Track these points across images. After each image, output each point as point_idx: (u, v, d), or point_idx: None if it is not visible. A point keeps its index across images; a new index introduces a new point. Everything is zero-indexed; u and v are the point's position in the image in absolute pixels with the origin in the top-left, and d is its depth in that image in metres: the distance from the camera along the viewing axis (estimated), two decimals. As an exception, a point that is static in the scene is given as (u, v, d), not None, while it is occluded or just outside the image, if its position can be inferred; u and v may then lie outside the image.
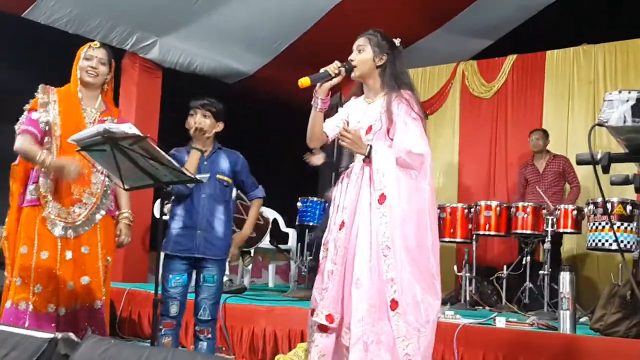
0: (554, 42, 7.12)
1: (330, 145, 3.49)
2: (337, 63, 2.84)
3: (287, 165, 6.10)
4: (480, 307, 5.55)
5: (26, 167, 3.26)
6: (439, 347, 3.65)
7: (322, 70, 2.83)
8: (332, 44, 4.18)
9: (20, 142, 3.19)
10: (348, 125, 2.86)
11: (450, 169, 7.58)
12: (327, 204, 6.11)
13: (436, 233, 2.78)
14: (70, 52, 3.41)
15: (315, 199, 6.43)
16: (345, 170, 2.96)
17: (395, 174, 2.71)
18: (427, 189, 2.74)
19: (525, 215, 5.46)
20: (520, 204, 5.58)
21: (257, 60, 7.54)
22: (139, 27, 6.56)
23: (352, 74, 2.88)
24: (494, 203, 5.67)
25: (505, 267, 5.64)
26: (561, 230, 5.39)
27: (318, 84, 2.83)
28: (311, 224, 6.38)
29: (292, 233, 7.33)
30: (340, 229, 2.79)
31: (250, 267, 6.68)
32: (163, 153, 2.82)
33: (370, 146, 2.77)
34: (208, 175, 3.40)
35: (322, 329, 2.76)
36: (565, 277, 3.74)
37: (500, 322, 3.97)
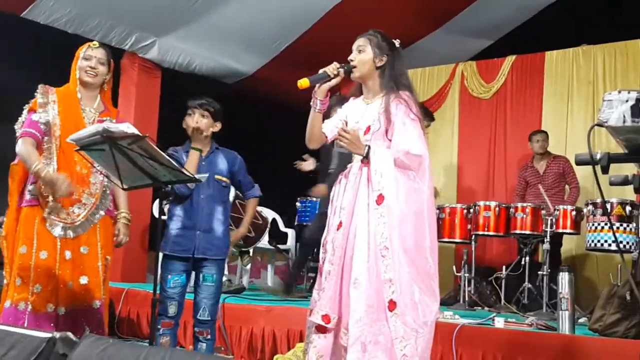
0: (553, 42, 7.11)
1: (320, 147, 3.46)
2: (335, 64, 2.84)
3: (286, 166, 6.09)
4: (479, 308, 5.55)
5: (25, 167, 3.25)
6: (438, 347, 3.65)
7: (321, 71, 2.83)
8: (332, 44, 4.18)
9: (21, 147, 3.19)
10: (347, 125, 2.86)
11: (449, 170, 7.57)
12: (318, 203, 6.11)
13: (434, 234, 2.77)
14: (71, 52, 3.41)
15: (314, 199, 6.42)
16: (335, 171, 2.96)
17: (393, 175, 2.70)
18: (425, 189, 2.74)
19: (524, 216, 5.46)
20: (519, 205, 5.58)
21: (256, 60, 7.53)
22: (138, 27, 6.55)
23: (352, 75, 2.88)
24: (493, 203, 5.66)
25: (504, 267, 5.63)
26: (560, 230, 5.39)
27: (317, 85, 2.83)
28: (310, 224, 6.37)
29: (291, 233, 7.32)
30: (337, 229, 2.79)
31: (249, 267, 6.67)
32: (162, 153, 2.82)
33: (369, 147, 2.76)
34: (207, 175, 3.39)
35: (320, 329, 2.75)
36: (564, 278, 3.74)
37: (499, 322, 3.96)
